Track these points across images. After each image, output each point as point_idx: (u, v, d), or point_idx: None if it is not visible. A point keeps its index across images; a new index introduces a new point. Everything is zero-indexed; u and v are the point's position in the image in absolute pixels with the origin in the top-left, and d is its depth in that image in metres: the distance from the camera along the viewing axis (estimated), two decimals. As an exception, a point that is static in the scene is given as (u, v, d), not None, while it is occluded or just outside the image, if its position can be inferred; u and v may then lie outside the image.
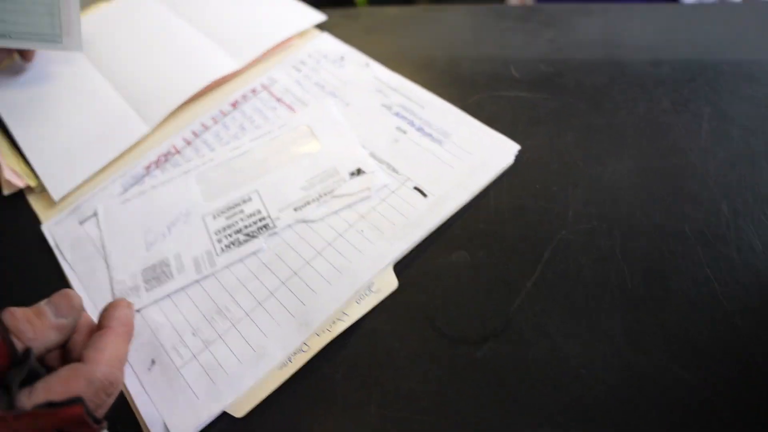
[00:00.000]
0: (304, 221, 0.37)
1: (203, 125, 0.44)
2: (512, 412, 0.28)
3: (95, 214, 0.41)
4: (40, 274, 0.39)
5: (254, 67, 0.48)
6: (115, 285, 0.36)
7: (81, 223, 0.40)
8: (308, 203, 0.37)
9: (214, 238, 0.37)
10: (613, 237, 0.34)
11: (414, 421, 0.28)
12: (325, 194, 0.38)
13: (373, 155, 0.39)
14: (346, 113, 0.43)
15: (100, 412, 0.26)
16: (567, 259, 0.33)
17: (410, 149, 0.39)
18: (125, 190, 0.42)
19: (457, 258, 0.34)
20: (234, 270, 0.36)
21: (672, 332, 0.30)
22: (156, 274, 0.36)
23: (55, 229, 0.41)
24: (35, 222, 0.41)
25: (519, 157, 0.38)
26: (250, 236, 0.37)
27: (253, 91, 0.46)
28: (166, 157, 0.43)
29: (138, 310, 0.35)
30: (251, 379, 0.31)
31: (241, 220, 0.38)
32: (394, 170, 0.38)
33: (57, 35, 0.38)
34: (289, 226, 0.37)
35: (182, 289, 0.35)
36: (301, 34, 0.50)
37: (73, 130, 0.45)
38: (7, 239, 0.41)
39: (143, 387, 0.32)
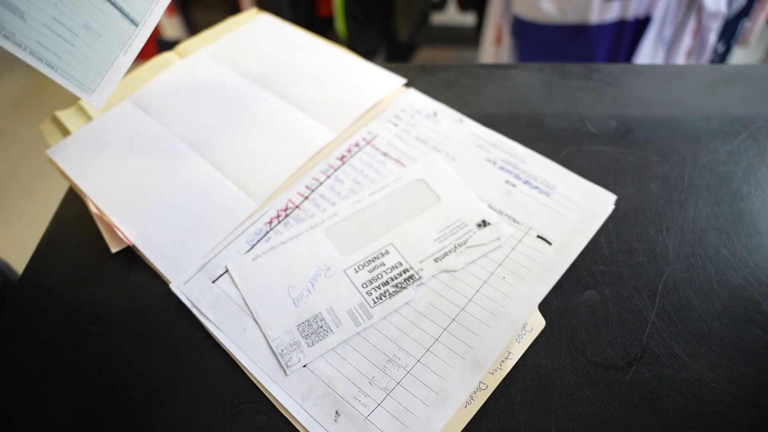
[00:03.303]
0: (447, 271, 0.43)
1: (315, 179, 0.49)
2: (664, 422, 0.37)
3: (227, 272, 0.45)
4: (183, 334, 0.42)
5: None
6: (272, 342, 0.41)
7: (213, 281, 0.44)
8: (446, 254, 0.44)
9: (363, 291, 0.43)
10: (708, 272, 0.44)
11: (598, 440, 0.36)
12: (460, 245, 0.44)
13: (491, 207, 0.47)
14: (454, 168, 0.50)
15: None
16: (677, 292, 0.42)
17: (523, 201, 0.47)
18: (251, 246, 0.46)
19: (589, 296, 0.42)
20: (391, 320, 0.41)
21: (775, 348, 0.40)
22: (314, 329, 0.41)
23: (186, 288, 0.44)
24: (156, 280, 0.44)
25: (616, 205, 0.47)
26: (399, 287, 0.43)
27: (357, 144, 0.52)
28: (286, 211, 0.48)
29: (304, 366, 0.40)
30: (442, 420, 0.37)
31: (385, 272, 0.43)
32: (515, 221, 0.46)
33: (91, 89, 0.45)
34: (434, 276, 0.43)
35: (345, 341, 0.41)
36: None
37: (180, 216, 0.48)
38: (137, 300, 0.44)
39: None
